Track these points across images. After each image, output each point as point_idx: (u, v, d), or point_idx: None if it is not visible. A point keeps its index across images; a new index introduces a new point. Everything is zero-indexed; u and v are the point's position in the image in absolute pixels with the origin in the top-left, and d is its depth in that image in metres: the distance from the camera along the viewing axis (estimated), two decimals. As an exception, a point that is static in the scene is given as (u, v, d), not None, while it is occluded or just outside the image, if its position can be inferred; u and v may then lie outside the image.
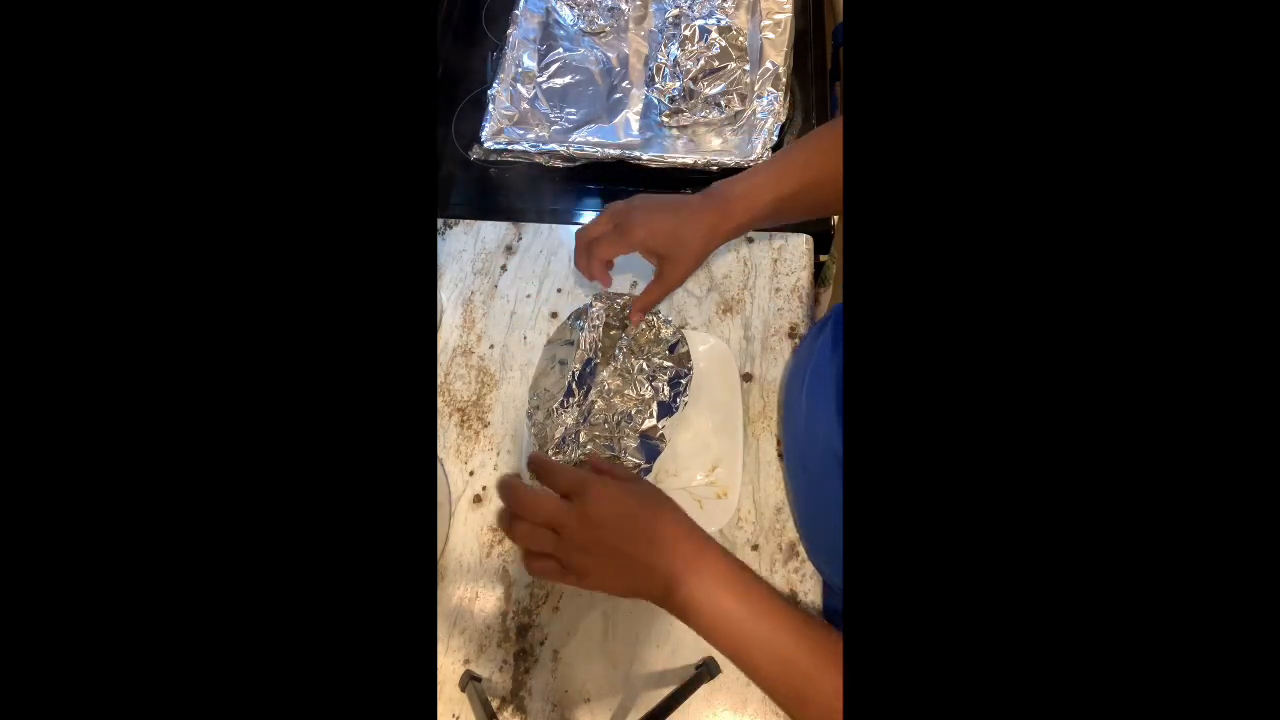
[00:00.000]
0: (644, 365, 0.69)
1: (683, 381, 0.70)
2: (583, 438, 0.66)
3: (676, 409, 0.69)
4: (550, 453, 0.67)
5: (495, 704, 0.66)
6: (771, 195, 0.64)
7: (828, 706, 0.47)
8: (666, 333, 0.71)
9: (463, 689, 0.66)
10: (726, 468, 0.74)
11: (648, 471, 0.68)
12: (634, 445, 0.67)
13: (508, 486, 0.52)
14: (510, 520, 0.51)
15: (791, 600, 0.71)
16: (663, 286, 0.67)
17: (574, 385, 0.69)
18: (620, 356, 0.68)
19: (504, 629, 0.70)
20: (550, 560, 0.50)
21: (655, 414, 0.68)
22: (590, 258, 0.68)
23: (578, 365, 0.70)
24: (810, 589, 0.71)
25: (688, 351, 0.70)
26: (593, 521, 0.49)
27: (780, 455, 0.76)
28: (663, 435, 0.68)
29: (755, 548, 0.73)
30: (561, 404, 0.69)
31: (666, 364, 0.69)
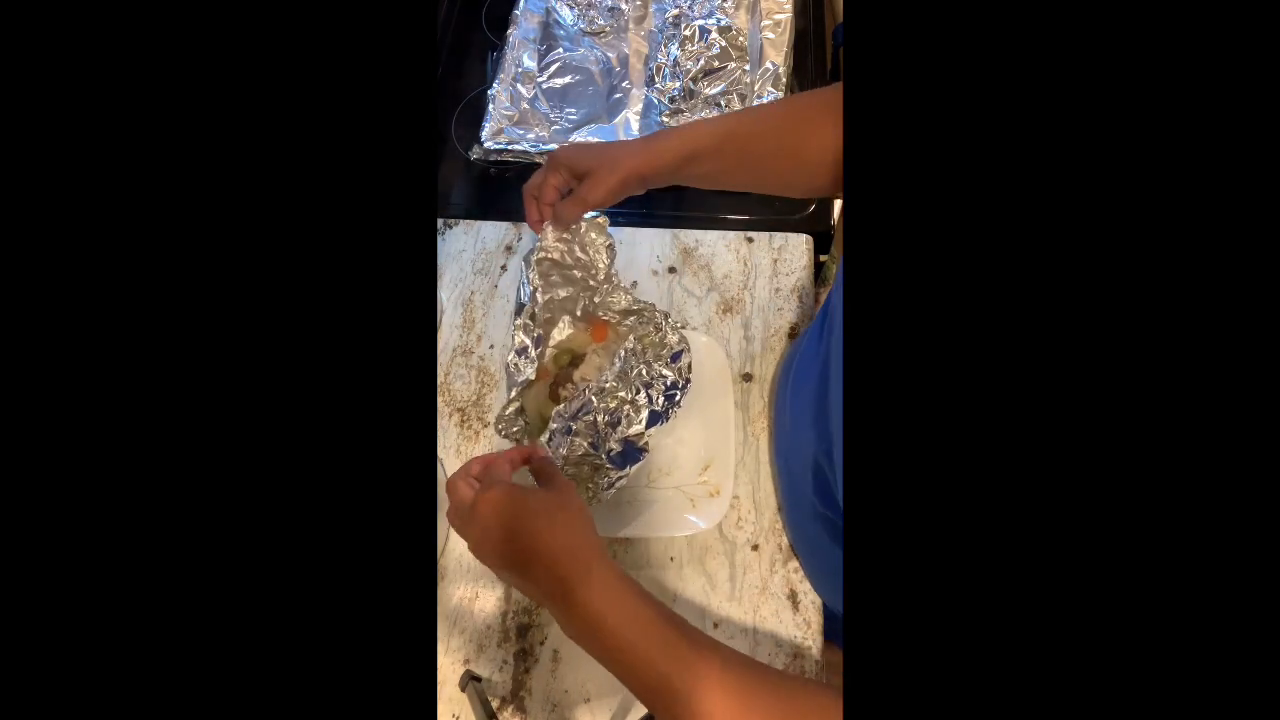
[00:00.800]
0: (643, 371, 0.68)
1: (677, 394, 0.69)
2: (575, 427, 0.65)
3: (666, 420, 0.68)
4: (545, 439, 0.66)
5: (495, 704, 0.66)
6: (697, 134, 0.62)
7: None
8: (673, 339, 0.70)
9: (463, 689, 0.66)
10: (719, 466, 0.74)
11: (622, 478, 0.67)
12: (617, 450, 0.66)
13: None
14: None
15: (791, 600, 0.71)
16: (582, 199, 0.64)
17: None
18: (623, 357, 0.68)
19: (504, 629, 0.70)
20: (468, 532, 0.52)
21: (645, 421, 0.67)
22: (537, 202, 0.66)
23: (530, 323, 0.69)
24: (810, 589, 0.71)
25: (690, 363, 0.70)
26: (477, 527, 0.50)
27: (780, 455, 0.76)
28: (647, 443, 0.67)
29: (755, 548, 0.73)
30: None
31: (666, 372, 0.69)
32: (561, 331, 0.74)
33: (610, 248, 0.71)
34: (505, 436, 0.68)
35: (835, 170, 0.63)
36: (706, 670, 0.46)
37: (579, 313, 0.73)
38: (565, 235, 0.70)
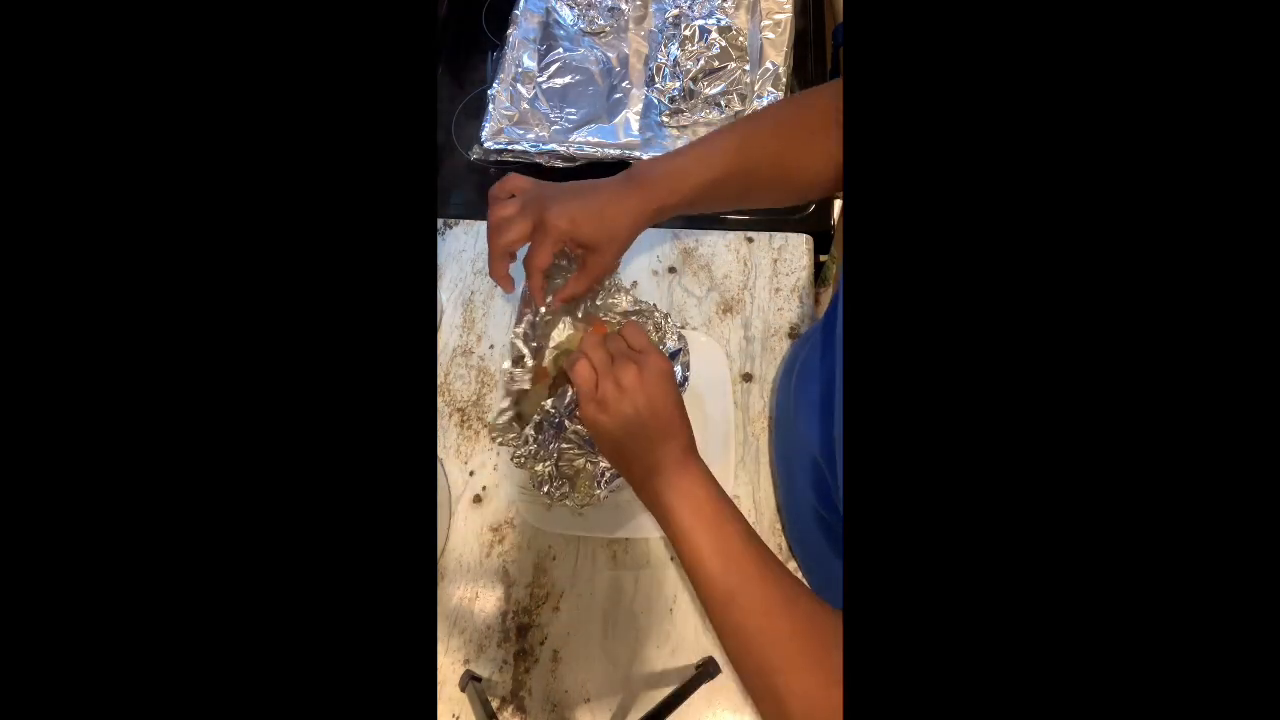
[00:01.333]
0: None
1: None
2: (568, 424, 0.64)
3: None
4: (530, 435, 0.65)
5: (495, 704, 0.66)
6: (699, 179, 0.59)
7: (801, 709, 0.46)
8: (671, 340, 0.69)
9: (463, 689, 0.66)
10: (718, 466, 0.74)
11: (618, 479, 0.65)
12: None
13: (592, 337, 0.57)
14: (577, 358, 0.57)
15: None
16: (589, 277, 0.62)
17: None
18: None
19: (504, 629, 0.70)
20: (588, 402, 0.55)
21: None
22: (530, 278, 0.61)
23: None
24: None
25: (688, 362, 0.69)
26: (630, 389, 0.53)
27: (780, 455, 0.76)
28: None
29: (755, 548, 0.73)
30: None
31: None
32: (561, 333, 0.74)
33: None
34: (501, 444, 0.68)
35: (829, 183, 0.63)
36: (819, 639, 0.48)
37: (580, 314, 0.73)
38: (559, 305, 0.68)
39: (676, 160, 0.60)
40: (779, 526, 0.74)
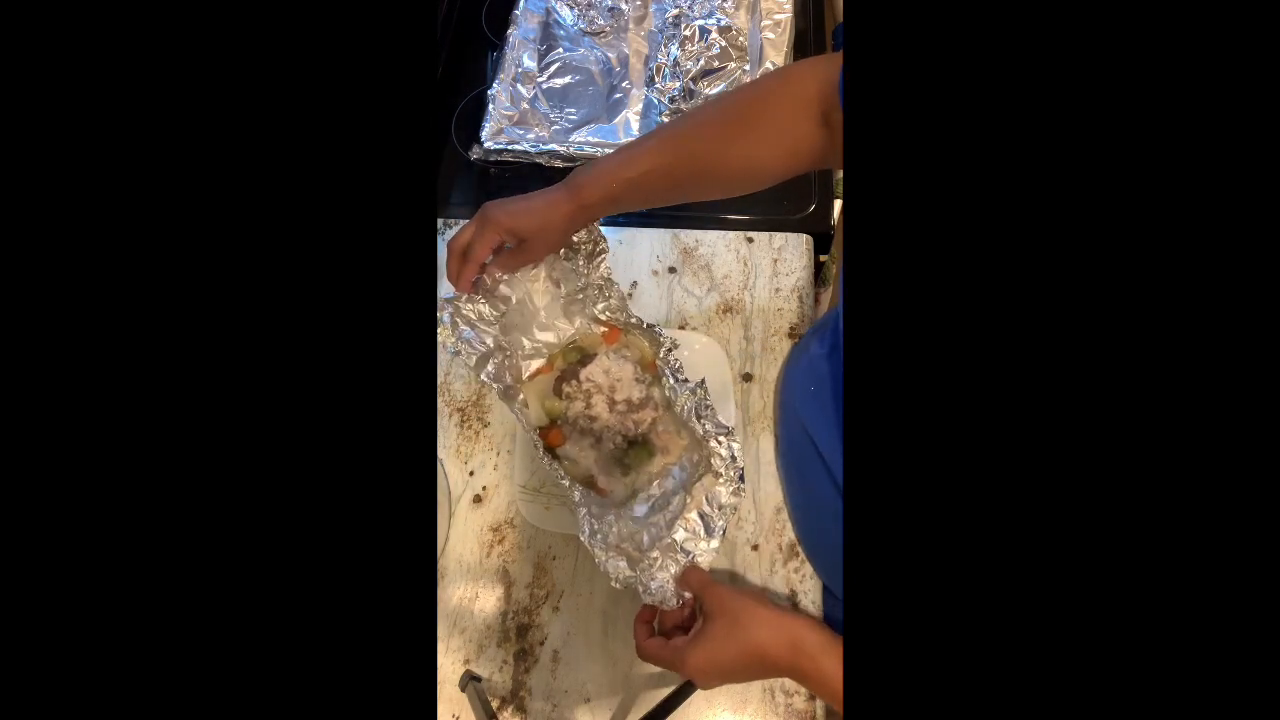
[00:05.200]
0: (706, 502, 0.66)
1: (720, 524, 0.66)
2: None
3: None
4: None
5: (495, 704, 0.66)
6: (620, 177, 0.65)
7: None
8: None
9: (463, 689, 0.66)
10: None
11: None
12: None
13: (641, 632, 0.62)
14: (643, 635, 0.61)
15: (791, 600, 0.71)
16: (519, 260, 0.69)
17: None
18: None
19: (504, 629, 0.70)
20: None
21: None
22: (465, 262, 0.68)
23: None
24: (810, 589, 0.71)
25: (723, 525, 0.65)
26: (697, 673, 0.58)
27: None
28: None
29: (755, 548, 0.73)
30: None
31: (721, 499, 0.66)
32: (573, 322, 0.74)
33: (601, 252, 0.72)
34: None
35: (755, 177, 0.67)
36: None
37: (598, 311, 0.73)
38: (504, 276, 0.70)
39: (603, 162, 0.66)
40: (779, 526, 0.74)
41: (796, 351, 0.81)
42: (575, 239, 0.71)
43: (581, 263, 0.71)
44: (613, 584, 0.60)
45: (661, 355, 0.69)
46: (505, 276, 0.70)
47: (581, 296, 0.72)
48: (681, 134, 0.67)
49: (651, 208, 0.70)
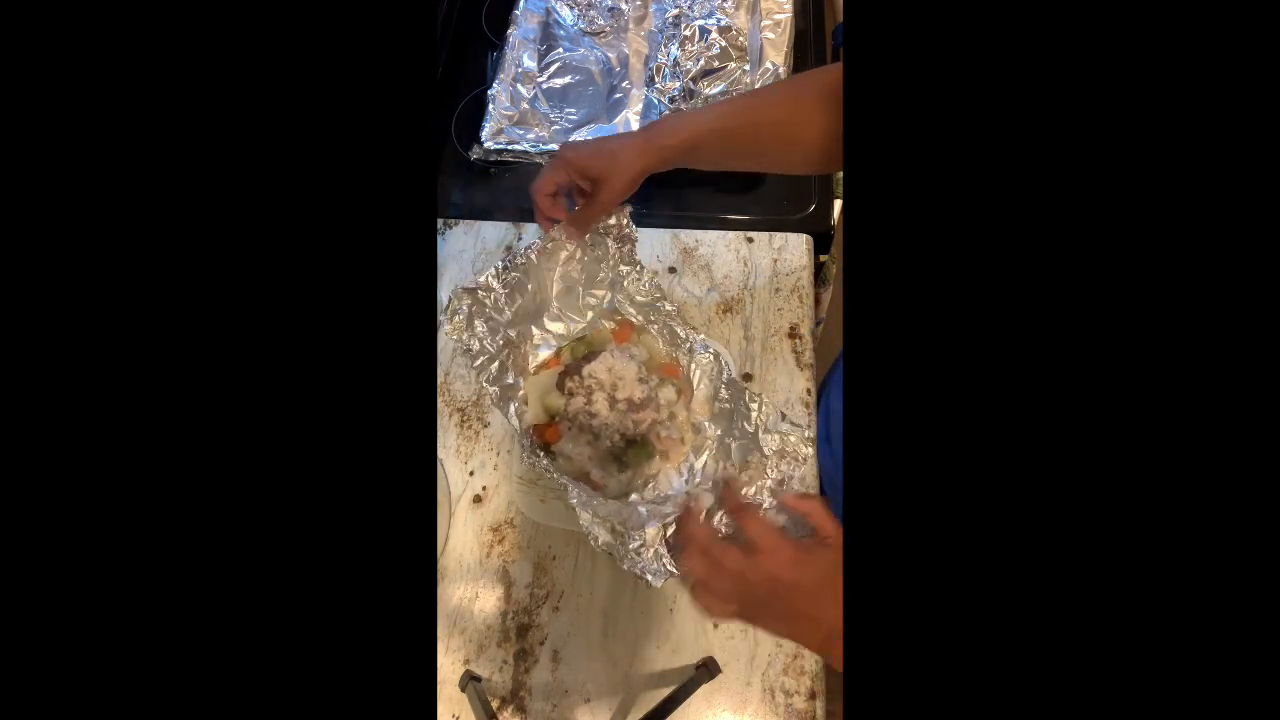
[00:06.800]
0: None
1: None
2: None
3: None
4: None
5: (495, 704, 0.66)
6: (699, 128, 0.65)
7: None
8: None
9: (463, 689, 0.66)
10: None
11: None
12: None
13: (692, 520, 0.54)
14: (691, 554, 0.53)
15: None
16: (598, 205, 0.67)
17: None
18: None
19: (504, 629, 0.70)
20: (723, 602, 0.52)
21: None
22: (545, 201, 0.67)
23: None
24: (810, 589, 0.71)
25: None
26: (781, 583, 0.50)
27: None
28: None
29: (755, 548, 0.73)
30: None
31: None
32: (584, 314, 0.74)
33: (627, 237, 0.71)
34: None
35: (828, 151, 0.66)
36: None
37: (614, 295, 0.73)
38: (568, 241, 0.70)
39: (685, 114, 0.67)
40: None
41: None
42: (605, 225, 0.70)
43: (611, 244, 0.71)
44: (595, 546, 0.58)
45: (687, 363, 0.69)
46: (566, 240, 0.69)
47: (611, 277, 0.72)
48: (767, 95, 0.67)
49: (724, 167, 0.70)
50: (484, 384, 0.66)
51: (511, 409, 0.67)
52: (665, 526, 0.60)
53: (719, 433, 0.68)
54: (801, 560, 0.51)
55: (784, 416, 0.64)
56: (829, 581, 0.50)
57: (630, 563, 0.57)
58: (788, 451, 0.63)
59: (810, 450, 0.63)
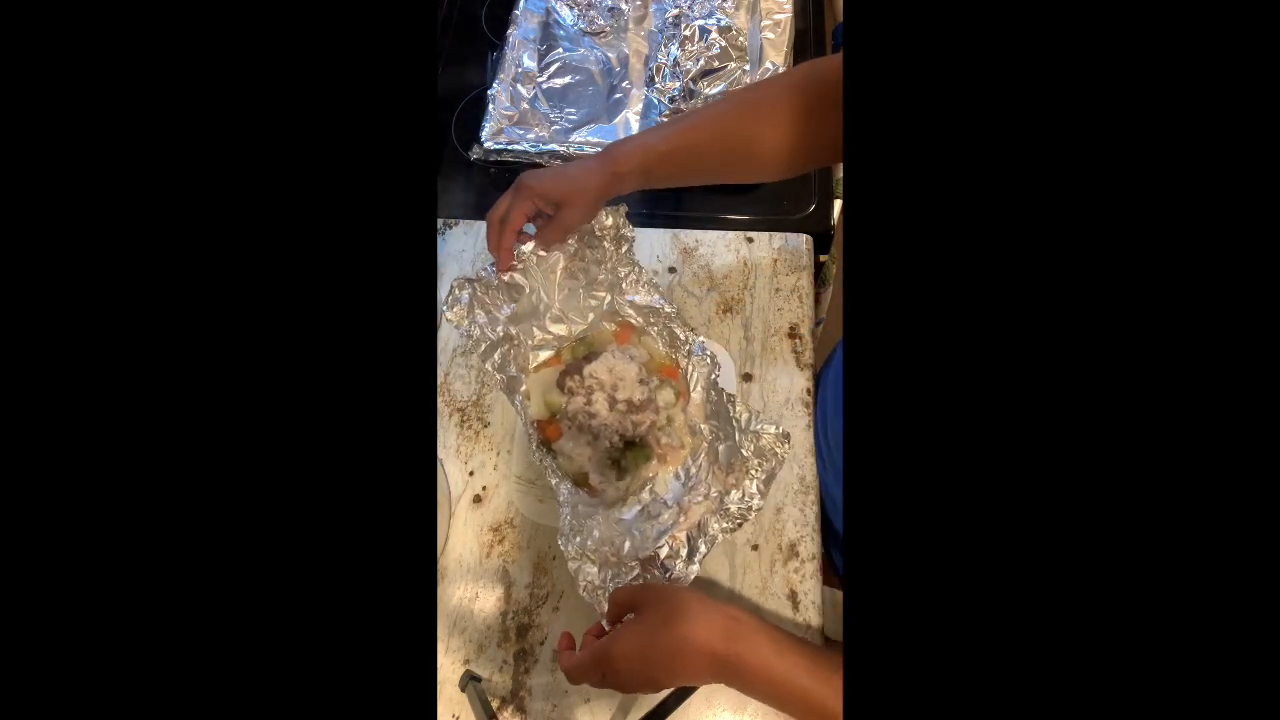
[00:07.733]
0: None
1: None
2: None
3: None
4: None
5: (495, 704, 0.66)
6: (654, 149, 0.67)
7: None
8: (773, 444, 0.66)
9: (463, 689, 0.66)
10: None
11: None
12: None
13: (565, 657, 0.60)
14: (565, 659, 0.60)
15: (791, 600, 0.71)
16: (560, 226, 0.69)
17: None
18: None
19: (504, 629, 0.70)
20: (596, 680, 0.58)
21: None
22: (502, 233, 0.69)
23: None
24: (810, 589, 0.71)
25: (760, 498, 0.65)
26: (623, 667, 0.56)
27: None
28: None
29: (755, 548, 0.73)
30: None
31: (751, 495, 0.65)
32: (585, 316, 0.74)
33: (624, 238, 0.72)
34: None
35: (785, 161, 0.68)
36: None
37: (632, 294, 0.73)
38: (541, 253, 0.71)
39: (639, 135, 0.69)
40: (779, 526, 0.74)
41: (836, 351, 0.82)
42: (602, 226, 0.71)
43: (609, 245, 0.72)
44: (580, 593, 0.61)
45: (684, 363, 0.69)
46: (537, 253, 0.70)
47: (610, 279, 0.73)
48: (716, 114, 0.69)
49: (682, 185, 0.71)
50: (488, 368, 0.66)
51: (516, 400, 0.68)
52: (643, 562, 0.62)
53: (710, 437, 0.68)
54: (617, 636, 0.56)
55: (757, 416, 0.66)
56: (640, 648, 0.55)
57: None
58: (764, 450, 0.65)
59: (785, 449, 0.65)
